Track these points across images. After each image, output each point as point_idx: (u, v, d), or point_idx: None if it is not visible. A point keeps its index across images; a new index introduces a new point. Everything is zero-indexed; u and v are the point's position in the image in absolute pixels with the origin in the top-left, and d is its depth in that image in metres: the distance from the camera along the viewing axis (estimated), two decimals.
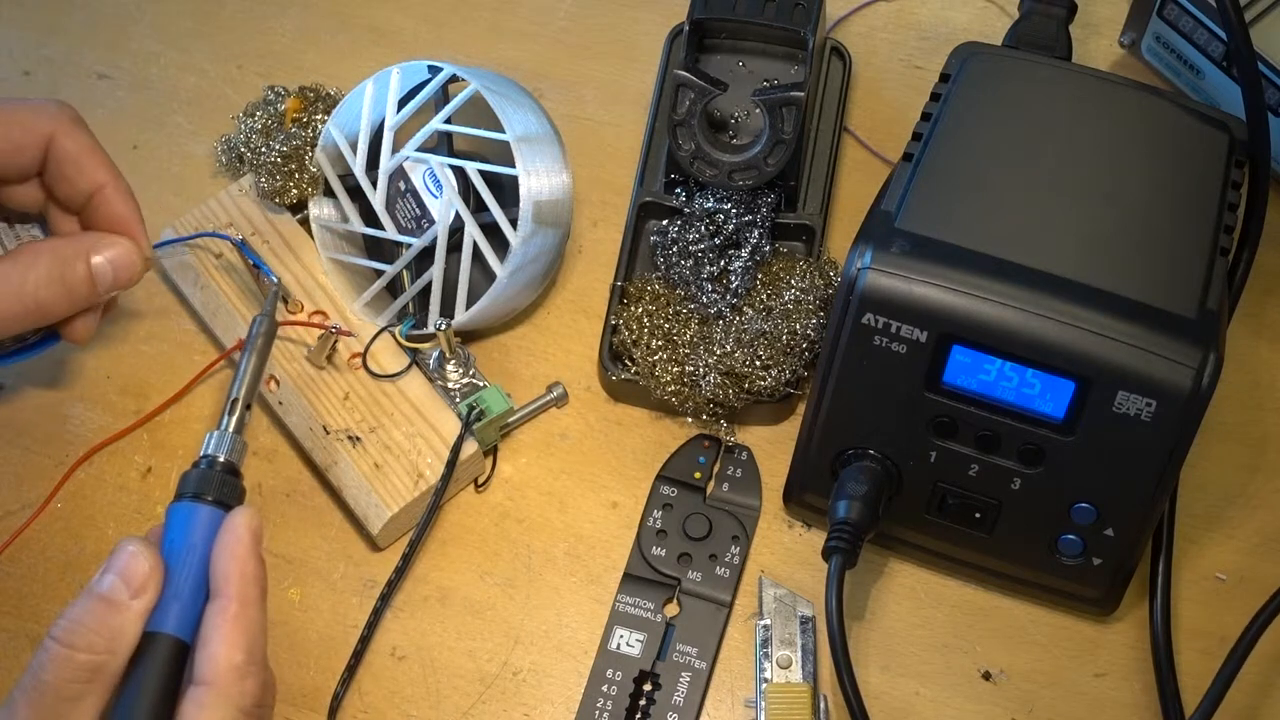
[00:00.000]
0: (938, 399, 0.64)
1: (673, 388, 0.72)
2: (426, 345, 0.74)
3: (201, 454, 0.61)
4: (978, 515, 0.67)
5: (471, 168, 0.73)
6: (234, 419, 0.62)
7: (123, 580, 0.55)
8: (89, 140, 0.65)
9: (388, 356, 0.74)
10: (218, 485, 0.59)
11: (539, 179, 0.72)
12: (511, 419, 0.74)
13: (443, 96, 0.75)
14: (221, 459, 0.61)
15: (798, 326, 0.71)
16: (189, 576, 0.57)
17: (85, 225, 0.67)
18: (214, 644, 0.55)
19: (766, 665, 0.68)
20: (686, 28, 0.76)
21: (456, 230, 0.74)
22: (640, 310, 0.74)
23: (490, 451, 0.74)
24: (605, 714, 0.68)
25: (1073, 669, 0.69)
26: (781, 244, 0.76)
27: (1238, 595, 0.70)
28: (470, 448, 0.71)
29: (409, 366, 0.74)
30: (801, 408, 0.74)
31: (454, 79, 0.75)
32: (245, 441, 0.62)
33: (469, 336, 0.77)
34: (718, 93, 0.72)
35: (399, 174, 0.76)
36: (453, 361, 0.74)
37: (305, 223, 0.78)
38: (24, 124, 0.64)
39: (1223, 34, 0.75)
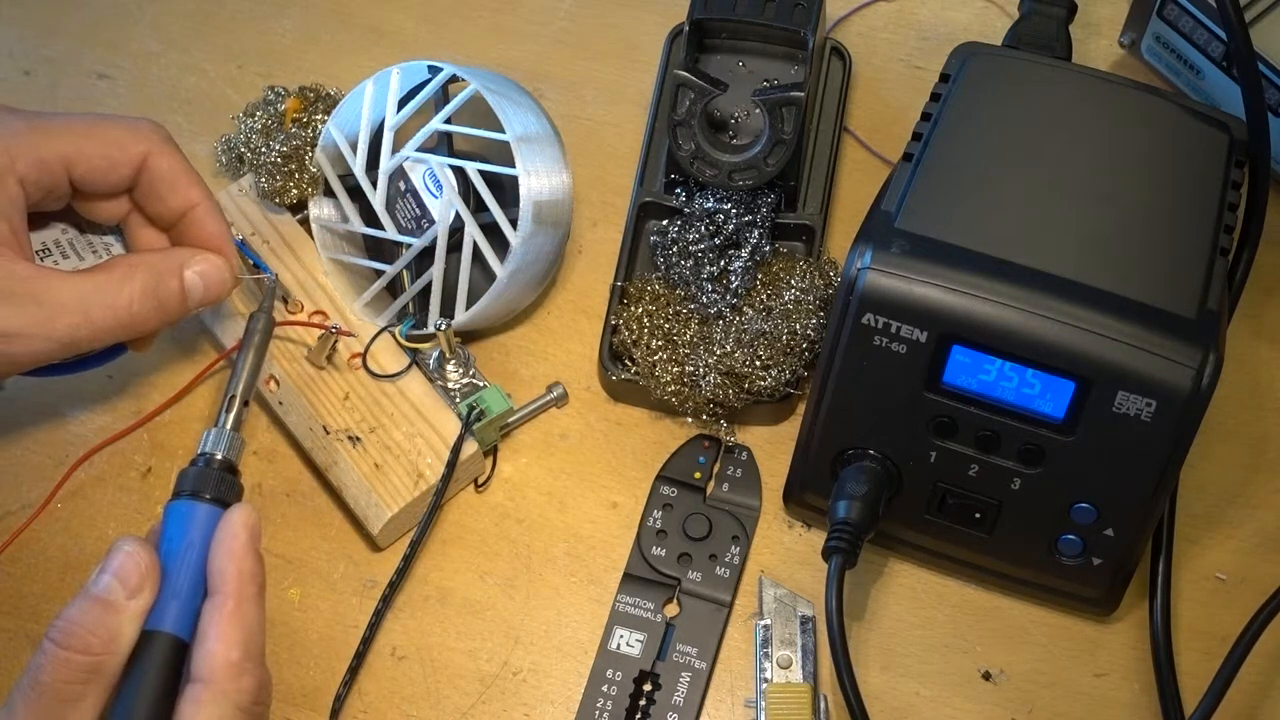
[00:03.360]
0: (938, 399, 0.64)
1: (673, 388, 0.72)
2: (426, 345, 0.74)
3: (199, 452, 0.61)
4: (978, 515, 0.67)
5: (471, 168, 0.73)
6: (232, 416, 0.62)
7: (119, 580, 0.55)
8: (182, 161, 0.67)
9: (388, 356, 0.74)
10: (215, 483, 0.59)
11: (539, 179, 0.72)
12: (511, 419, 0.74)
13: (443, 96, 0.75)
14: (219, 456, 0.61)
15: (798, 326, 0.71)
16: (187, 575, 0.57)
17: (175, 241, 0.68)
18: (211, 641, 0.55)
19: (766, 665, 0.68)
20: (686, 28, 0.76)
21: (456, 230, 0.74)
22: (640, 310, 0.74)
23: (490, 451, 0.74)
24: (605, 714, 0.68)
25: (1073, 669, 0.69)
26: (781, 244, 0.76)
27: (1238, 595, 0.70)
28: (470, 448, 0.71)
29: (409, 366, 0.74)
30: (801, 408, 0.74)
31: (454, 79, 0.75)
32: (243, 439, 0.62)
33: (469, 336, 0.77)
34: (718, 93, 0.72)
35: (399, 174, 0.76)
36: (453, 361, 0.74)
37: (305, 223, 0.78)
38: (120, 143, 0.65)
39: (1223, 34, 0.75)
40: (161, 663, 0.55)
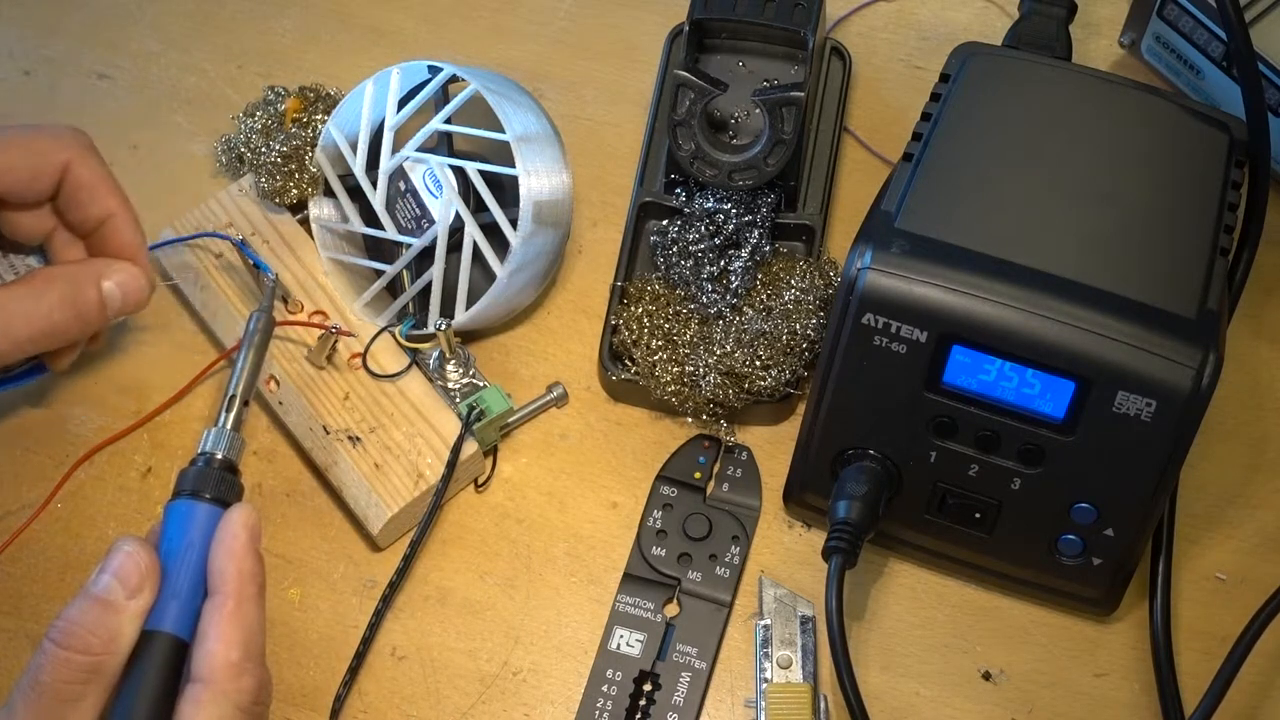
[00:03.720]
0: (938, 399, 0.64)
1: (673, 388, 0.72)
2: (426, 345, 0.74)
3: (199, 451, 0.61)
4: (978, 515, 0.67)
5: (471, 168, 0.73)
6: (232, 415, 0.62)
7: (118, 580, 0.55)
8: (102, 168, 0.67)
9: (388, 356, 0.74)
10: (215, 483, 0.59)
11: (539, 179, 0.72)
12: (511, 419, 0.74)
13: (443, 96, 0.75)
14: (219, 456, 0.61)
15: (798, 326, 0.71)
16: (187, 574, 0.57)
17: (92, 251, 0.69)
18: (210, 641, 0.55)
19: (766, 665, 0.68)
20: (686, 28, 0.76)
21: (456, 230, 0.74)
22: (640, 310, 0.74)
23: (490, 451, 0.74)
24: (605, 714, 0.68)
25: (1073, 669, 0.69)
26: (781, 244, 0.76)
27: (1238, 595, 0.70)
28: (470, 448, 0.71)
29: (409, 366, 0.74)
30: (801, 408, 0.74)
31: (454, 79, 0.75)
32: (243, 439, 0.62)
33: (469, 336, 0.77)
34: (718, 93, 0.72)
35: (399, 174, 0.76)
36: (453, 361, 0.74)
37: (305, 223, 0.78)
38: (43, 151, 0.65)
39: (1223, 34, 0.75)
40: (161, 662, 0.55)
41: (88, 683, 0.53)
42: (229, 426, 0.62)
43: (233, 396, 0.63)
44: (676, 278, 0.75)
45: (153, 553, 0.56)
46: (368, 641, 0.70)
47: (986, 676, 0.69)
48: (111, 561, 0.55)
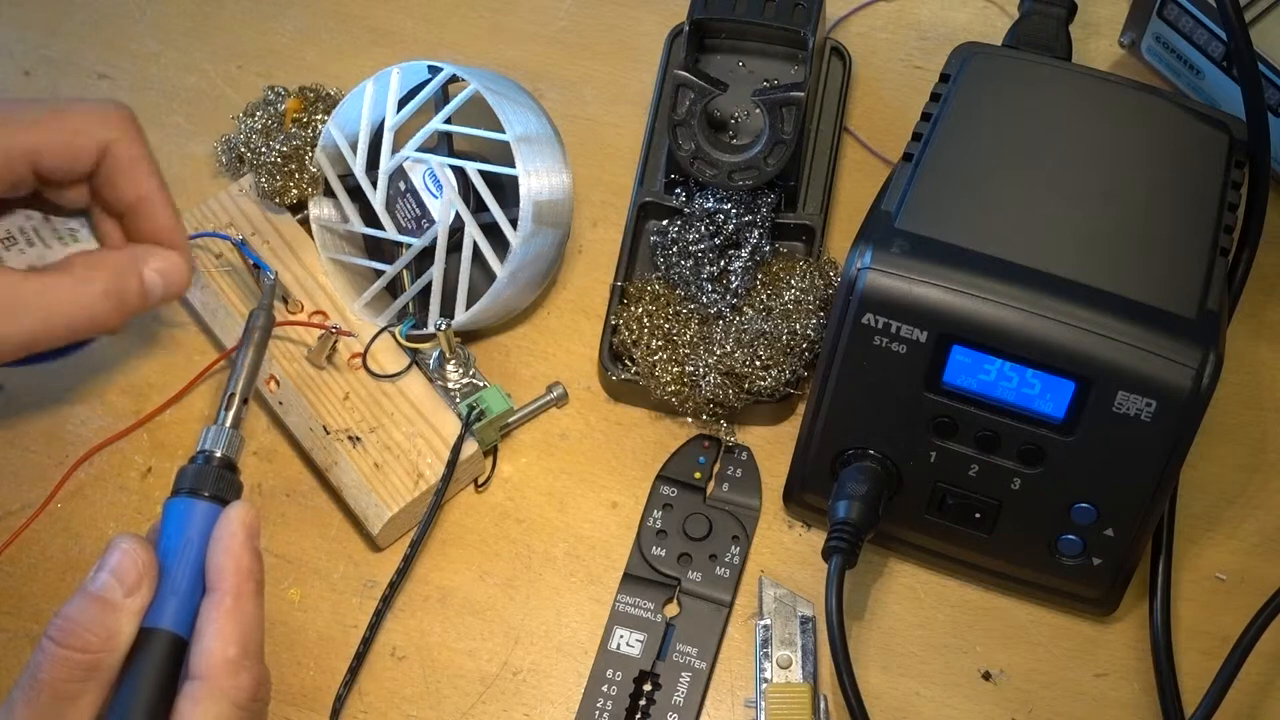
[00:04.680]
0: (938, 399, 0.64)
1: (673, 388, 0.72)
2: (426, 345, 0.74)
3: (198, 449, 0.61)
4: (978, 515, 0.67)
5: (471, 168, 0.73)
6: (231, 414, 0.62)
7: (116, 578, 0.55)
8: (143, 150, 0.66)
9: (388, 356, 0.74)
10: (214, 480, 0.59)
11: (539, 179, 0.72)
12: (511, 419, 0.74)
13: (443, 96, 0.75)
14: (218, 454, 0.61)
15: (798, 326, 0.71)
16: (186, 572, 0.57)
17: (127, 231, 0.67)
18: (208, 639, 0.55)
19: (766, 665, 0.68)
20: (686, 28, 0.76)
21: (456, 230, 0.74)
22: (640, 310, 0.74)
23: (490, 451, 0.74)
24: (605, 714, 0.68)
25: (1073, 669, 0.69)
26: (781, 244, 0.76)
27: (1238, 595, 0.70)
28: (470, 448, 0.71)
29: (409, 366, 0.74)
30: (801, 408, 0.74)
31: (454, 79, 0.75)
32: (242, 436, 0.62)
33: (469, 336, 0.77)
34: (718, 93, 0.72)
35: (399, 174, 0.76)
36: (453, 361, 0.74)
37: (305, 223, 0.78)
38: (85, 131, 0.64)
39: (1223, 34, 0.75)
40: (160, 660, 0.55)
41: (86, 680, 0.53)
42: (228, 425, 0.62)
43: (232, 395, 0.63)
44: (676, 278, 0.75)
45: (150, 550, 0.56)
46: (368, 641, 0.70)
47: (986, 676, 0.69)
48: (109, 559, 0.55)
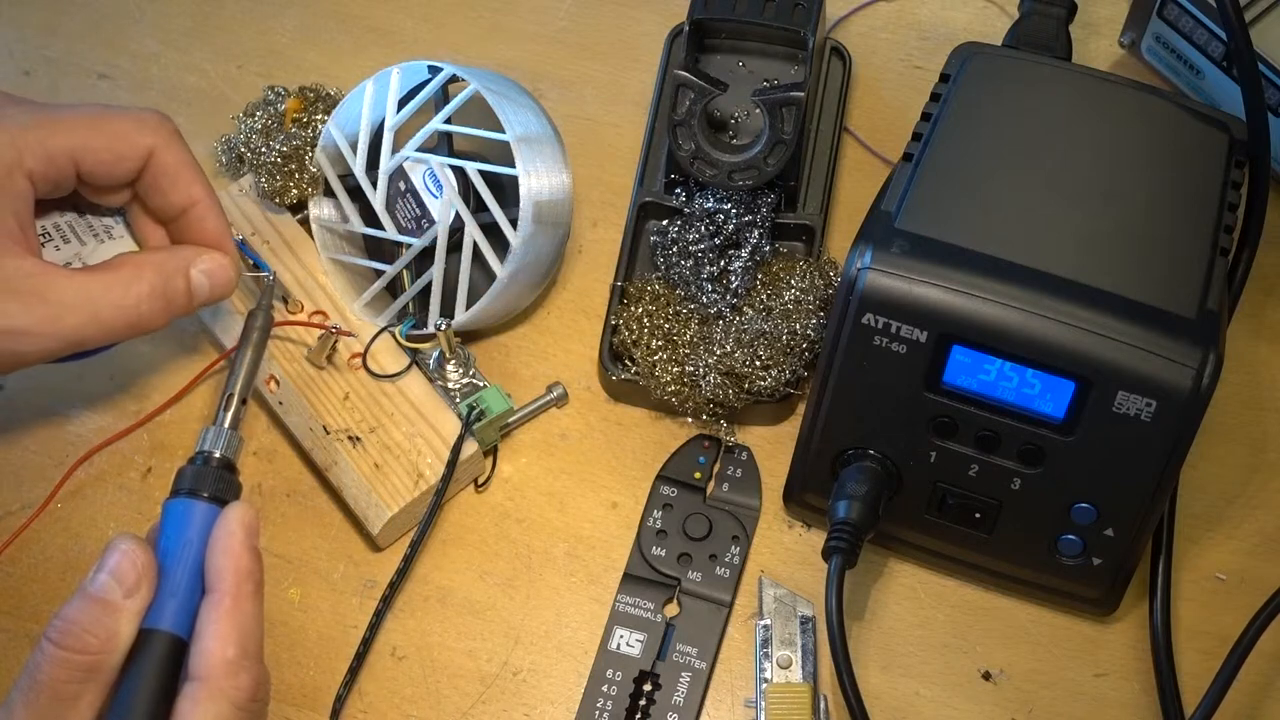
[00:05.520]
0: (938, 399, 0.64)
1: (673, 388, 0.72)
2: (426, 345, 0.74)
3: (197, 450, 0.61)
4: (978, 515, 0.67)
5: (471, 168, 0.73)
6: (230, 414, 0.62)
7: (115, 579, 0.55)
8: (187, 156, 0.67)
9: (388, 356, 0.74)
10: (213, 481, 0.59)
11: (539, 179, 0.72)
12: (511, 419, 0.74)
13: (443, 96, 0.75)
14: (218, 455, 0.61)
15: (798, 326, 0.71)
16: (185, 573, 0.57)
17: (174, 236, 0.68)
18: (207, 639, 0.55)
19: (766, 665, 0.68)
20: (686, 28, 0.76)
21: (456, 230, 0.74)
22: (640, 310, 0.74)
23: (490, 451, 0.74)
24: (605, 714, 0.68)
25: (1073, 669, 0.69)
26: (781, 244, 0.76)
27: (1238, 595, 0.70)
28: (470, 448, 0.71)
29: (409, 366, 0.74)
30: (801, 408, 0.74)
31: (454, 79, 0.75)
32: (241, 437, 0.62)
33: (469, 336, 0.77)
34: (718, 93, 0.72)
35: (399, 174, 0.76)
36: (453, 361, 0.74)
37: (305, 223, 0.78)
38: (128, 136, 0.65)
39: (1223, 34, 0.75)
40: (160, 661, 0.55)
41: (86, 682, 0.53)
42: (227, 425, 0.62)
43: (231, 395, 0.63)
44: (676, 278, 0.75)
45: (149, 551, 0.56)
46: (368, 641, 0.70)
47: (986, 676, 0.69)
48: (108, 560, 0.55)
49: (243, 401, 0.63)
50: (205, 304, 0.67)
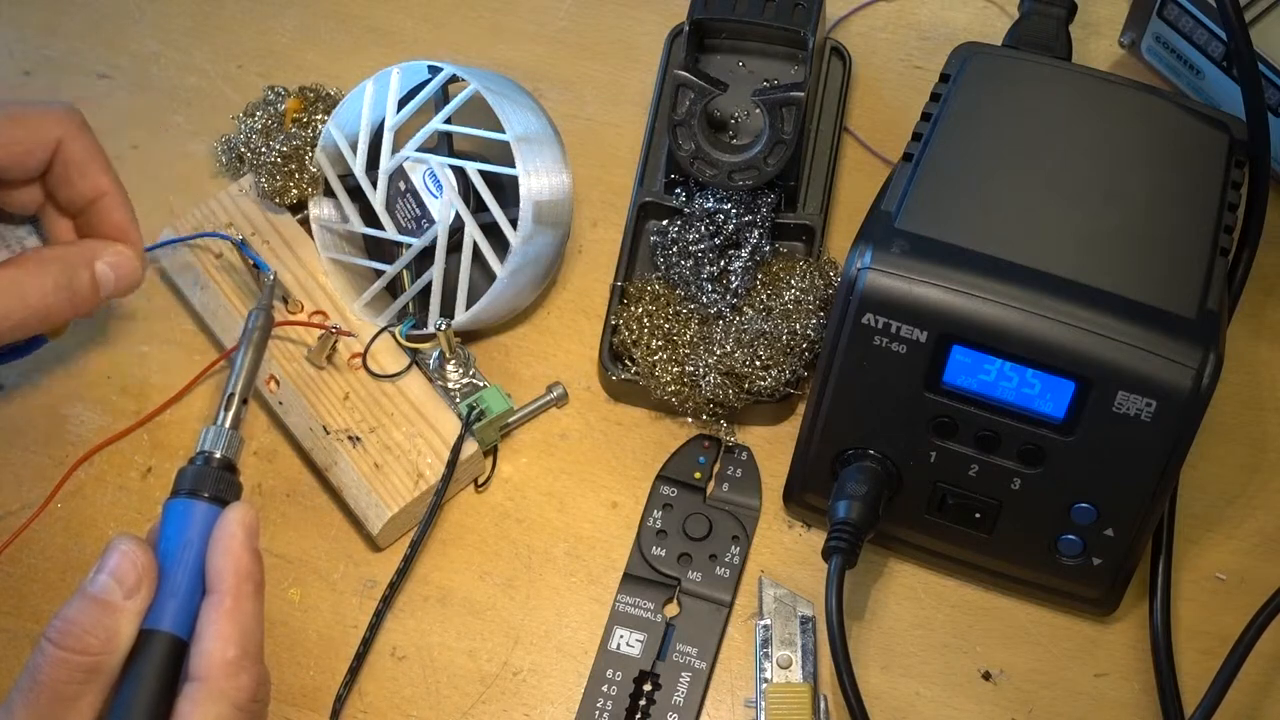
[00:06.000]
0: (938, 399, 0.64)
1: (673, 388, 0.72)
2: (426, 345, 0.74)
3: (197, 450, 0.61)
4: (978, 515, 0.67)
5: (471, 168, 0.73)
6: (230, 414, 0.62)
7: (116, 580, 0.55)
8: (94, 146, 0.66)
9: (388, 356, 0.74)
10: (214, 481, 0.59)
11: (539, 179, 0.72)
12: (511, 419, 0.74)
13: (443, 96, 0.75)
14: (218, 455, 0.61)
15: (798, 326, 0.71)
16: (185, 573, 0.57)
17: (82, 230, 0.68)
18: (207, 640, 0.55)
19: (766, 665, 0.68)
20: (686, 28, 0.76)
21: (456, 230, 0.74)
22: (640, 310, 0.74)
23: (490, 451, 0.74)
24: (605, 714, 0.68)
25: (1073, 669, 0.69)
26: (781, 244, 0.76)
27: (1238, 595, 0.70)
28: (470, 448, 0.71)
29: (409, 366, 0.74)
30: (801, 408, 0.74)
31: (454, 79, 0.75)
32: (242, 437, 0.62)
33: (469, 336, 0.77)
34: (718, 93, 0.73)
35: (399, 174, 0.76)
36: (453, 361, 0.74)
37: (305, 223, 0.78)
38: (35, 127, 0.65)
39: (1223, 34, 0.75)
40: (160, 662, 0.55)
41: (86, 683, 0.53)
42: (227, 425, 0.62)
43: (231, 395, 0.63)
44: (676, 278, 0.75)
45: (149, 552, 0.56)
46: (368, 641, 0.70)
47: (986, 676, 0.69)
48: (108, 561, 0.55)
49: (243, 401, 0.63)
50: (111, 297, 0.67)
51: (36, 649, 0.53)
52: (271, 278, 0.71)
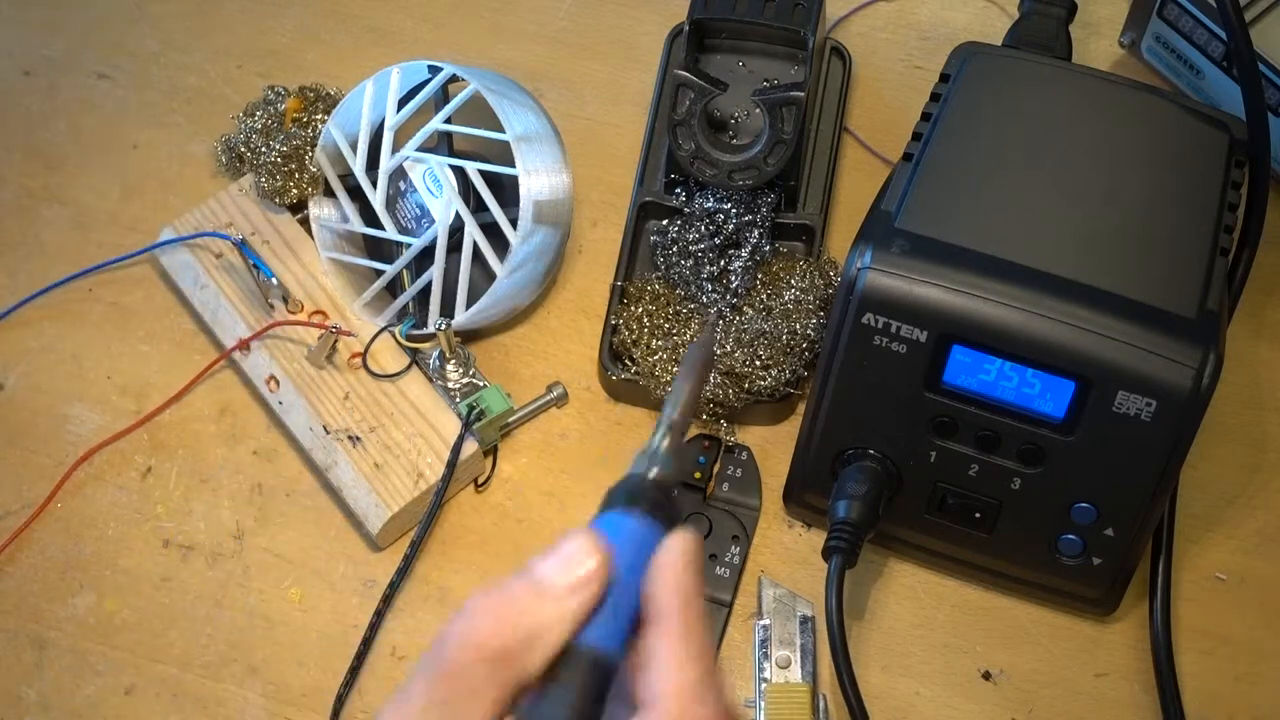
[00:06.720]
0: (938, 399, 0.64)
1: None
2: (426, 345, 0.74)
3: (631, 471, 0.51)
4: (978, 515, 0.67)
5: (471, 168, 0.73)
6: (667, 441, 0.51)
7: (563, 571, 0.45)
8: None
9: (388, 356, 0.74)
10: (651, 502, 0.50)
11: (539, 179, 0.72)
12: (511, 419, 0.74)
13: (443, 96, 0.75)
14: (652, 476, 0.50)
15: (798, 326, 0.71)
16: (625, 594, 0.47)
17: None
18: (662, 662, 0.45)
19: (766, 665, 0.68)
20: (686, 28, 0.76)
21: (456, 230, 0.74)
22: (640, 310, 0.74)
23: (490, 451, 0.74)
24: None
25: (1073, 669, 0.69)
26: (781, 244, 0.76)
27: (1238, 595, 0.70)
28: (470, 448, 0.71)
29: (409, 366, 0.74)
30: (801, 408, 0.74)
31: (454, 79, 0.74)
32: (678, 464, 0.51)
33: (469, 336, 0.77)
34: (718, 93, 0.72)
35: (399, 174, 0.76)
36: (453, 361, 0.74)
37: (305, 223, 0.78)
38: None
39: (1223, 34, 0.75)
40: (589, 680, 0.45)
41: (493, 676, 0.43)
42: (663, 450, 0.51)
43: (671, 420, 0.52)
44: (676, 278, 0.75)
45: (607, 552, 0.46)
46: (368, 641, 0.69)
47: (986, 676, 0.69)
48: (563, 547, 0.45)
49: (681, 433, 0.51)
50: None
51: (452, 616, 0.44)
52: (273, 280, 0.70)
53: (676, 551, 0.47)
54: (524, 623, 0.44)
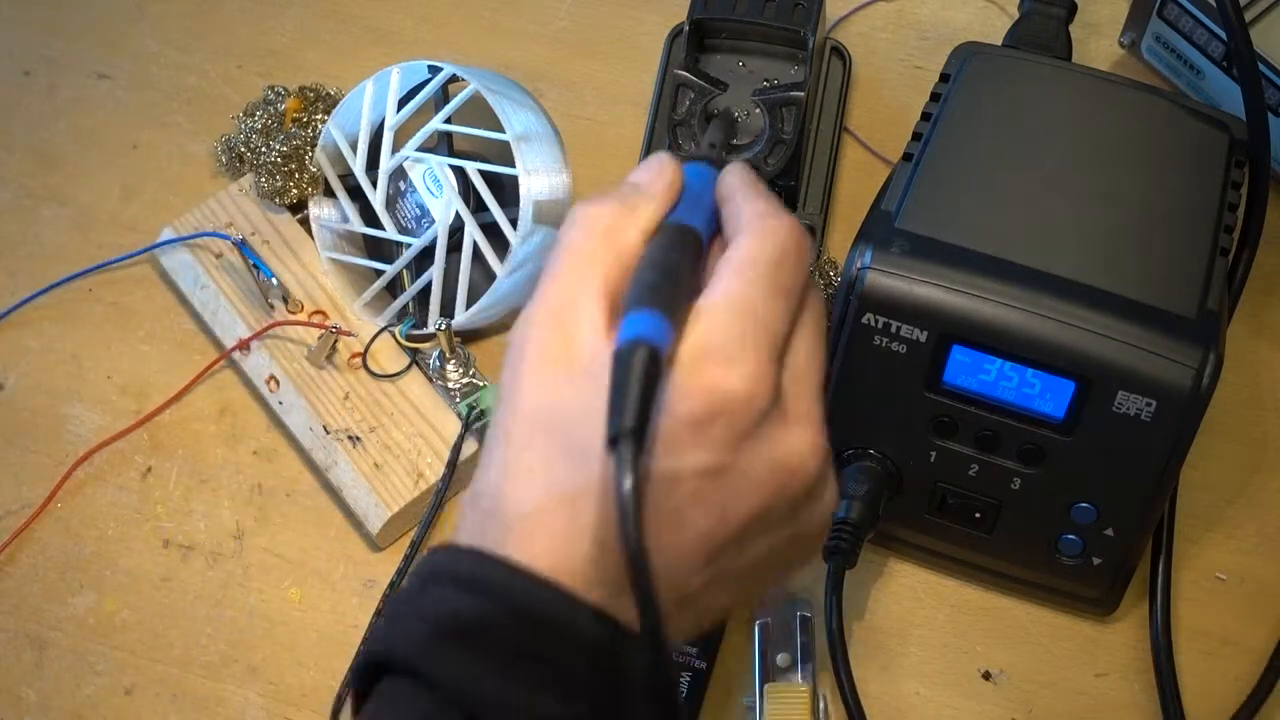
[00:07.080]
0: (938, 399, 0.64)
1: None
2: (426, 345, 0.74)
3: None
4: (978, 515, 0.67)
5: (471, 168, 0.73)
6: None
7: (647, 171, 0.51)
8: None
9: (388, 356, 0.74)
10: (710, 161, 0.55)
11: (539, 179, 0.72)
12: None
13: (443, 96, 0.75)
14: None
15: None
16: (695, 200, 0.52)
17: None
18: (741, 205, 0.50)
19: (766, 666, 0.68)
20: (686, 28, 0.76)
21: (456, 230, 0.74)
22: None
23: None
24: None
25: (1073, 669, 0.69)
26: None
27: (1238, 595, 0.70)
28: (471, 448, 0.71)
29: (409, 366, 0.74)
30: None
31: (454, 79, 0.75)
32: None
33: (469, 336, 0.77)
34: (718, 93, 0.73)
35: (399, 174, 0.76)
36: (453, 361, 0.74)
37: (305, 223, 0.78)
38: None
39: (1223, 34, 0.75)
40: (681, 241, 0.49)
41: (601, 249, 0.48)
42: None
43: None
44: None
45: (681, 165, 0.52)
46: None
47: (986, 676, 0.69)
48: (645, 162, 0.52)
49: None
50: None
51: (569, 217, 0.49)
52: (273, 281, 0.71)
53: (738, 167, 0.53)
54: (625, 205, 0.49)
